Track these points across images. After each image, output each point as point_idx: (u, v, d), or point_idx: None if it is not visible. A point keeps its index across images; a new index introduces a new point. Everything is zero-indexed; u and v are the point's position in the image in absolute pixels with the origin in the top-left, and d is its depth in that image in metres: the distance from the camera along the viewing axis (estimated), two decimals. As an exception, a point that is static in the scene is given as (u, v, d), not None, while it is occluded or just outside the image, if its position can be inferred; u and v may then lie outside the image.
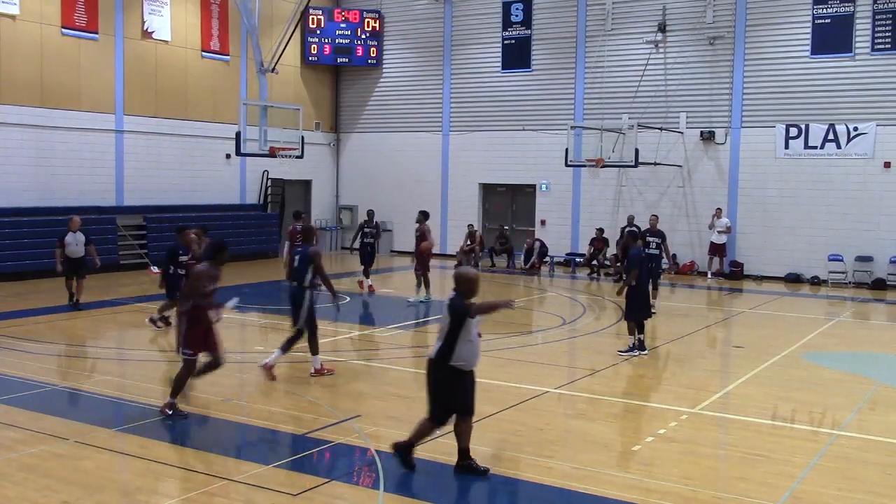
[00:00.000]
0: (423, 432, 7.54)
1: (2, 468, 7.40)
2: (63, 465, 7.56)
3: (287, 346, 10.95)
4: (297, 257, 11.02)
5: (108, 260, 21.86)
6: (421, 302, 17.70)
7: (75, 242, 15.80)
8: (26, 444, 8.13)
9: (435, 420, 7.47)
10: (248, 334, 14.57)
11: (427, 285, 17.85)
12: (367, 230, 19.52)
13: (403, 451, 7.55)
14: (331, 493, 6.99)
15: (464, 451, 7.52)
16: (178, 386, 9.05)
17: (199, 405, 9.55)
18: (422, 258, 17.84)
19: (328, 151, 30.40)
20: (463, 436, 7.49)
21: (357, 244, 19.49)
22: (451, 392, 7.34)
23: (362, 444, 8.23)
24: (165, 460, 7.68)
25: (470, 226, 26.13)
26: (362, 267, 19.56)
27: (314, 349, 11.04)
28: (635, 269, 12.61)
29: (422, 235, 18.12)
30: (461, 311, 7.23)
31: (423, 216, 18.43)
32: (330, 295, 11.02)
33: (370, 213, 20.13)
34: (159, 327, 14.10)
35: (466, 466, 7.50)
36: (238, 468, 7.57)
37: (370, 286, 19.41)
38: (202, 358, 9.19)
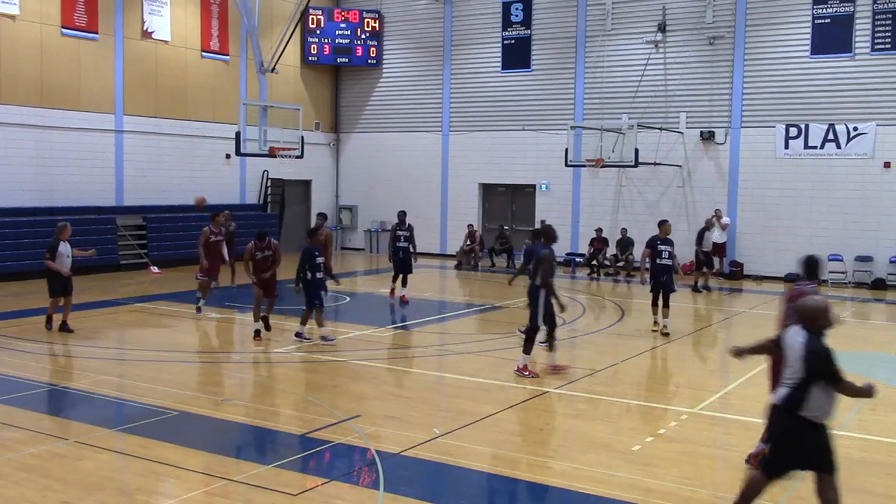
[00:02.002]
0: (754, 487, 6.32)
1: (2, 468, 7.40)
2: (63, 465, 7.55)
3: (529, 346, 11.36)
4: (529, 256, 11.39)
5: (108, 260, 21.91)
6: None
7: (67, 254, 13.55)
8: (26, 444, 8.13)
9: (768, 470, 6.24)
10: (247, 334, 14.58)
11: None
12: (399, 233, 17.79)
13: None
14: (331, 493, 6.98)
15: None
16: None
17: (199, 405, 9.56)
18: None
19: (328, 151, 30.40)
20: (827, 499, 6.07)
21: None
22: (796, 444, 6.06)
23: (362, 444, 8.23)
24: (165, 460, 7.67)
25: (469, 226, 26.15)
26: (393, 274, 17.96)
27: (528, 349, 11.35)
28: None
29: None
30: (830, 372, 5.95)
31: (323, 219, 16.31)
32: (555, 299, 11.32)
33: (402, 215, 18.16)
34: (308, 339, 13.31)
35: None
36: (238, 468, 7.57)
37: (402, 297, 17.62)
38: None
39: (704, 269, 21.23)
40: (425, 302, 18.06)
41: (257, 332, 13.44)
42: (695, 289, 20.65)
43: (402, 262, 17.66)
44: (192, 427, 8.86)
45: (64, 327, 13.60)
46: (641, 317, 16.04)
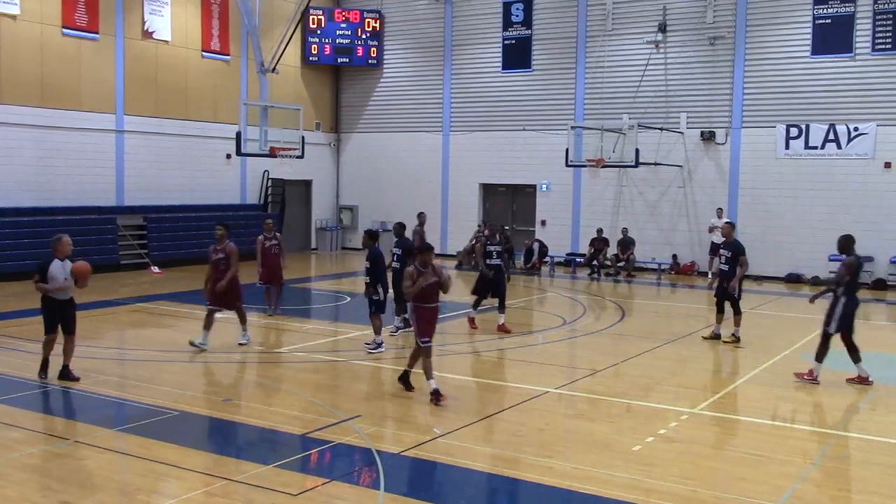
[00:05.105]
0: None
1: (2, 468, 7.40)
2: (63, 465, 7.55)
3: (821, 353, 11.20)
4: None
5: (108, 260, 21.91)
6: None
7: (65, 275, 10.27)
8: (26, 444, 8.13)
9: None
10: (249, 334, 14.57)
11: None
12: (491, 248, 14.46)
13: None
14: (331, 493, 6.98)
15: None
16: None
17: (199, 405, 9.56)
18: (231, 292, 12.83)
19: (328, 151, 30.40)
20: None
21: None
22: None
23: (362, 444, 8.23)
24: (165, 460, 7.67)
25: (484, 223, 26.18)
26: (476, 298, 14.58)
27: (821, 356, 11.20)
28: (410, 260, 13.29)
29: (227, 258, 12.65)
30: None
31: (226, 229, 12.80)
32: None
33: (496, 227, 15.26)
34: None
35: None
36: (238, 468, 7.57)
37: (501, 325, 14.30)
38: None
39: None
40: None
41: (430, 394, 9.94)
42: None
43: (494, 282, 14.43)
44: (192, 427, 8.86)
45: (66, 374, 10.52)
46: (643, 317, 16.04)
